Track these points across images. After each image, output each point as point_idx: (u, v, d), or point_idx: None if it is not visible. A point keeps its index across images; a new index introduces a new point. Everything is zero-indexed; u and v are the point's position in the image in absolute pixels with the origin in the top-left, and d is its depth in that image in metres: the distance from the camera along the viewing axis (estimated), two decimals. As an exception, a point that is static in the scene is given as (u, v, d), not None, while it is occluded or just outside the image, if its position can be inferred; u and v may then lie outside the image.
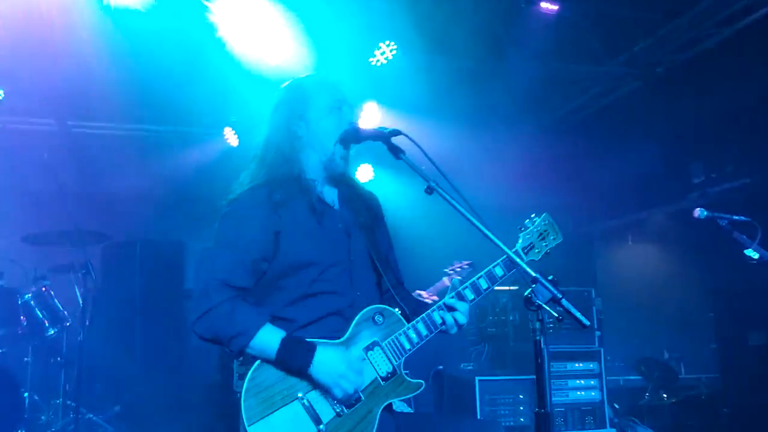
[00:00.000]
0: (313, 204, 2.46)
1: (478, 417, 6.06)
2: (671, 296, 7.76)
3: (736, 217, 3.88)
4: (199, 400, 6.68)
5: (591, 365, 6.43)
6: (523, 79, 5.89)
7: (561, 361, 6.34)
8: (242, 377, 5.50)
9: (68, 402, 5.81)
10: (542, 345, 2.59)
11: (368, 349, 2.39)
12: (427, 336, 2.45)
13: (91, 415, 5.93)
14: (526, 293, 2.33)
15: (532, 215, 2.97)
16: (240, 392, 5.51)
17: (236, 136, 7.08)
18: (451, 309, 2.46)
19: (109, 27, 5.25)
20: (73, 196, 5.46)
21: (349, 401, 2.31)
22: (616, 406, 6.86)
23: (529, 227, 2.81)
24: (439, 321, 2.45)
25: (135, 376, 6.49)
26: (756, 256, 3.78)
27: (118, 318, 6.67)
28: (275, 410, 2.27)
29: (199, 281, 2.37)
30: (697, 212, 3.93)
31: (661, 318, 7.75)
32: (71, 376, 5.87)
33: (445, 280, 5.53)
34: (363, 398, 2.33)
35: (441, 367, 6.31)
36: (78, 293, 5.77)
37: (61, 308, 5.72)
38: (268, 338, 2.29)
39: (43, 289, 5.66)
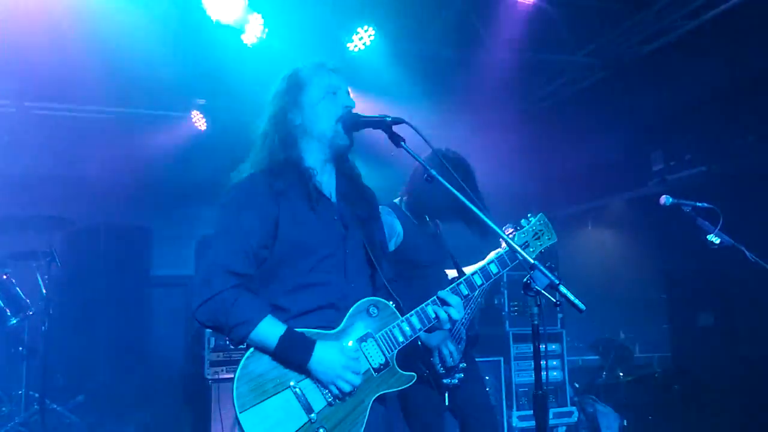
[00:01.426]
0: (309, 192, 2.46)
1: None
2: (627, 279, 8.01)
3: (700, 204, 3.96)
4: (165, 388, 6.59)
5: (553, 346, 6.62)
6: (494, 67, 5.96)
7: (526, 343, 6.51)
8: (214, 365, 5.49)
9: (30, 393, 5.65)
10: (540, 329, 2.70)
11: (362, 340, 2.40)
12: (420, 329, 2.47)
13: (55, 406, 5.77)
14: (525, 279, 2.41)
15: (528, 215, 3.02)
16: (210, 380, 5.47)
17: (204, 120, 6.93)
18: (444, 303, 2.48)
19: (70, 4, 5.05)
20: (34, 180, 5.25)
21: (343, 398, 2.33)
22: (576, 385, 7.09)
23: (524, 226, 2.88)
24: (433, 315, 2.47)
25: (99, 365, 6.36)
26: (717, 241, 3.87)
27: (82, 306, 6.50)
28: (267, 398, 2.28)
29: (202, 268, 2.36)
30: (663, 199, 3.98)
31: (618, 300, 8.00)
32: (34, 366, 5.71)
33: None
34: (361, 381, 2.35)
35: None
36: (41, 281, 5.58)
37: (23, 296, 5.52)
38: (270, 331, 2.29)
39: (4, 276, 5.46)
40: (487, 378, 6.40)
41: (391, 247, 3.47)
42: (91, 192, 6.63)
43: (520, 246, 2.81)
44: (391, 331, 2.43)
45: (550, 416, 6.29)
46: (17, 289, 5.53)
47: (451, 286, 2.55)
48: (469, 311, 3.66)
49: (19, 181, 5.15)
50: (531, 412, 6.14)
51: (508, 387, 6.44)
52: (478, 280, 2.60)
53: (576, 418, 6.54)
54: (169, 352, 6.74)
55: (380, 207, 3.47)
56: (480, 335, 7.03)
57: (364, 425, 2.35)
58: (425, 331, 2.51)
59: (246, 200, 2.40)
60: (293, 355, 2.29)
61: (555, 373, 6.58)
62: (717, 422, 6.28)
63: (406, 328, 2.44)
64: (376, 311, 2.45)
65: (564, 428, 6.61)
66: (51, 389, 5.80)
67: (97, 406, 6.15)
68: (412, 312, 2.47)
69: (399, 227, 3.50)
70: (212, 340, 5.26)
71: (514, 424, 6.36)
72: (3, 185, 5.70)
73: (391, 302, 2.50)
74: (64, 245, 6.54)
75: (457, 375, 3.46)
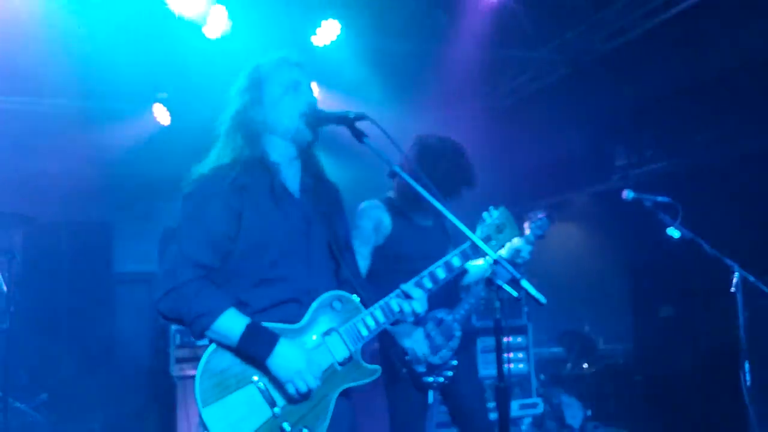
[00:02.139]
0: (273, 187, 2.45)
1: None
2: (592, 272, 8.14)
3: (660, 198, 4.04)
4: (130, 386, 6.54)
5: (519, 339, 6.71)
6: (459, 62, 5.99)
7: (492, 336, 6.56)
8: (180, 361, 5.45)
9: (-8, 391, 5.55)
10: (502, 323, 2.75)
11: (326, 334, 2.40)
12: (384, 323, 2.47)
13: (18, 404, 5.68)
14: (487, 274, 2.45)
15: (491, 207, 3.03)
16: (176, 377, 5.43)
17: (168, 113, 6.84)
18: (407, 296, 2.49)
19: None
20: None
21: (299, 399, 2.32)
22: (542, 377, 7.20)
23: (486, 220, 2.86)
24: (397, 309, 2.48)
25: (63, 362, 6.27)
26: (677, 234, 3.96)
27: (44, 303, 6.40)
28: (230, 393, 2.26)
29: (166, 259, 2.34)
30: (625, 194, 4.05)
31: (582, 293, 8.13)
32: (-5, 364, 5.60)
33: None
34: (319, 383, 2.34)
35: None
36: (1, 279, 5.47)
37: (-17, 295, 5.42)
38: (232, 323, 2.27)
39: (-36, 274, 5.36)
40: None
41: (380, 240, 3.49)
42: (52, 188, 6.51)
43: (482, 240, 2.85)
44: (355, 324, 2.43)
45: (516, 408, 6.37)
46: (-23, 287, 5.42)
47: (415, 279, 2.56)
48: (467, 306, 3.63)
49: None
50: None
51: (474, 379, 6.51)
52: (441, 274, 2.62)
53: (541, 409, 6.64)
54: (134, 349, 6.67)
55: (370, 201, 3.53)
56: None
57: (328, 419, 2.35)
58: (391, 324, 2.52)
59: (210, 192, 2.39)
60: (254, 348, 2.27)
61: (521, 366, 6.67)
62: (677, 411, 6.43)
63: (370, 322, 2.44)
64: (339, 305, 2.44)
65: (530, 419, 6.70)
66: (14, 388, 5.69)
67: (61, 404, 6.08)
68: (376, 305, 2.47)
69: (387, 220, 3.51)
70: (177, 336, 5.21)
71: (480, 416, 6.44)
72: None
73: (355, 296, 2.50)
74: (25, 242, 6.44)
75: (445, 372, 3.44)
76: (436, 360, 3.39)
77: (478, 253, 2.68)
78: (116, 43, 5.44)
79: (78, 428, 5.80)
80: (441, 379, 3.43)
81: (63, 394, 6.11)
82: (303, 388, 2.29)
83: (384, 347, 3.39)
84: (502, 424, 2.69)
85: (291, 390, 2.29)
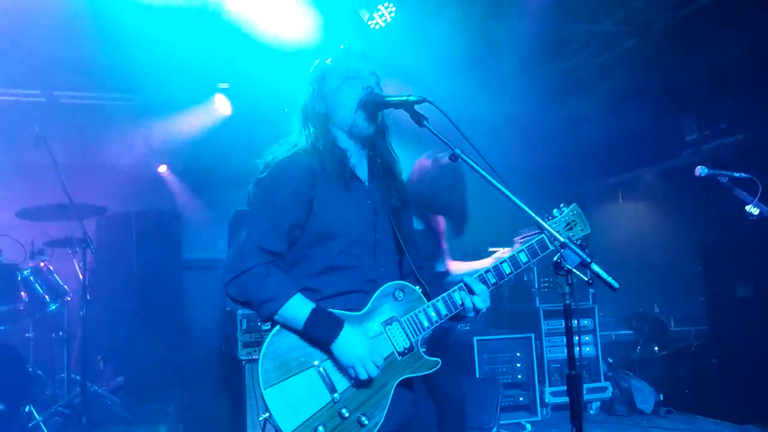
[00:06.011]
0: (345, 175, 2.45)
1: (477, 375, 6.19)
2: (661, 252, 7.89)
3: (737, 174, 3.86)
4: (201, 369, 6.73)
5: (585, 321, 6.61)
6: (520, 39, 5.83)
7: (557, 319, 6.49)
8: (247, 345, 5.55)
9: (72, 376, 5.82)
10: (572, 308, 2.65)
11: (386, 323, 2.39)
12: (446, 315, 2.44)
13: (96, 388, 5.94)
14: (555, 258, 2.35)
15: (561, 205, 2.92)
16: (244, 360, 5.54)
17: (229, 103, 6.97)
18: (471, 291, 2.45)
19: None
20: (66, 169, 5.35)
21: (360, 385, 2.33)
22: (610, 360, 7.06)
23: (556, 216, 2.76)
24: (459, 302, 2.44)
25: (136, 347, 6.50)
26: (756, 212, 3.78)
27: (116, 290, 6.65)
28: (291, 376, 2.28)
29: (236, 244, 2.38)
30: (699, 170, 3.88)
31: (651, 273, 7.89)
32: (74, 349, 5.87)
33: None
34: (379, 372, 2.33)
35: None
36: (77, 267, 5.70)
37: (61, 283, 5.66)
38: (298, 308, 2.30)
39: (42, 264, 5.58)
40: (518, 354, 6.42)
41: None
42: (121, 178, 6.75)
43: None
44: (416, 315, 2.42)
45: (584, 392, 6.26)
46: (55, 276, 5.66)
47: (478, 273, 2.50)
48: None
49: (51, 170, 5.24)
50: (564, 387, 6.13)
51: (539, 363, 6.44)
52: (507, 269, 2.54)
53: (610, 393, 6.52)
54: (203, 334, 6.86)
55: None
56: (510, 312, 7.08)
57: (387, 407, 2.35)
58: (450, 318, 2.47)
59: (283, 179, 2.40)
60: (320, 332, 2.30)
61: (588, 349, 6.59)
62: (756, 395, 6.17)
63: (432, 314, 2.43)
64: (402, 295, 2.43)
65: (598, 404, 6.59)
66: (92, 372, 5.95)
67: (136, 387, 6.31)
68: (439, 298, 2.44)
69: None
70: (244, 321, 5.32)
71: (547, 400, 6.37)
72: (36, 175, 5.83)
73: (417, 287, 2.48)
74: (96, 231, 6.70)
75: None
76: None
77: (545, 249, 2.60)
78: (178, 36, 5.54)
79: (153, 410, 6.00)
80: None
81: (138, 377, 6.35)
82: (363, 375, 2.29)
83: None
84: (575, 412, 2.61)
85: (353, 374, 2.30)
